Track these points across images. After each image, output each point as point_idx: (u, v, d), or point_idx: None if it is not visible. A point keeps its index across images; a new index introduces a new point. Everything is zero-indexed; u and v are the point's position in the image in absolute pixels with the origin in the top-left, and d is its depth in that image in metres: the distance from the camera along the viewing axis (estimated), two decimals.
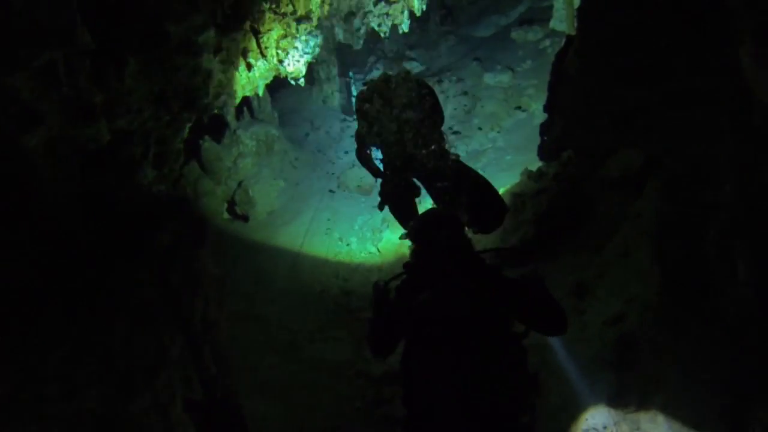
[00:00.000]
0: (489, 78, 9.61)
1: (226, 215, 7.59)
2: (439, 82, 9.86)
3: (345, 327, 5.09)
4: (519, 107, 8.90)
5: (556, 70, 4.62)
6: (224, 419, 2.41)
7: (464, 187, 3.84)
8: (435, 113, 3.99)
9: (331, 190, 8.09)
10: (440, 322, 1.97)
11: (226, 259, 6.25)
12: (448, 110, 9.45)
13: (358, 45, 7.78)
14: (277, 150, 8.24)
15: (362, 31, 6.12)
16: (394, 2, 5.32)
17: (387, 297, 2.21)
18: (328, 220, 7.25)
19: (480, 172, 7.62)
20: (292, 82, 5.19)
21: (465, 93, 9.59)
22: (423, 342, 2.02)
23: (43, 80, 2.38)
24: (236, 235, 7.12)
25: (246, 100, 7.94)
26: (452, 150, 4.13)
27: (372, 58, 11.71)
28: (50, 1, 2.00)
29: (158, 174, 4.21)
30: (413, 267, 2.22)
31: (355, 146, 4.26)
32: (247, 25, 4.50)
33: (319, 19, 4.95)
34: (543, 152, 4.97)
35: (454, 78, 9.86)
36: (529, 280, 2.11)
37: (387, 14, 5.51)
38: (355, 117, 4.43)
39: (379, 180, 4.22)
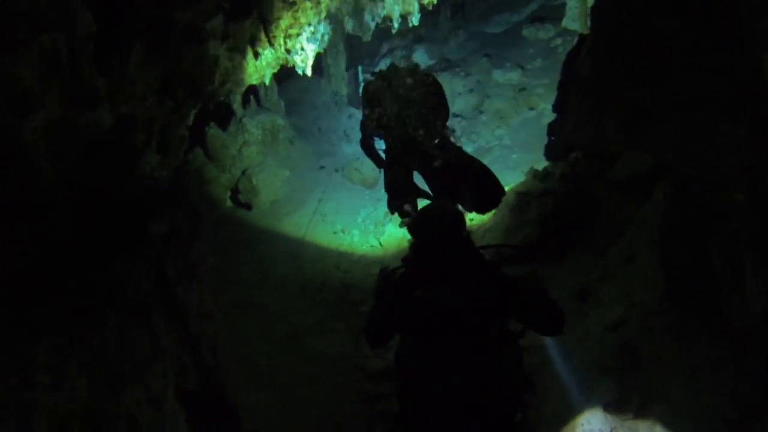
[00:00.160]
0: (498, 75, 9.52)
1: (229, 203, 7.58)
2: (448, 74, 9.77)
3: (344, 320, 5.07)
4: (529, 107, 8.81)
5: (567, 70, 4.56)
6: (218, 411, 2.39)
7: (467, 171, 3.89)
8: (440, 106, 4.02)
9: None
10: (436, 318, 1.96)
11: (227, 248, 6.24)
12: (455, 105, 9.39)
13: (368, 37, 7.71)
14: (283, 139, 8.21)
15: (372, 23, 6.05)
16: None
17: (391, 284, 2.20)
18: (332, 212, 7.22)
19: None
20: (300, 72, 5.13)
21: (473, 89, 9.51)
22: (418, 337, 2.01)
23: (44, 63, 2.35)
24: (239, 224, 7.11)
25: (253, 88, 7.89)
26: (458, 144, 4.16)
27: (382, 51, 11.63)
28: None
29: (161, 160, 4.18)
30: (412, 261, 2.22)
31: (360, 135, 4.31)
32: (255, 12, 4.45)
33: (328, 9, 4.89)
34: (550, 152, 4.92)
35: (463, 73, 9.78)
36: (527, 281, 2.10)
37: (397, 7, 5.45)
38: (361, 108, 4.47)
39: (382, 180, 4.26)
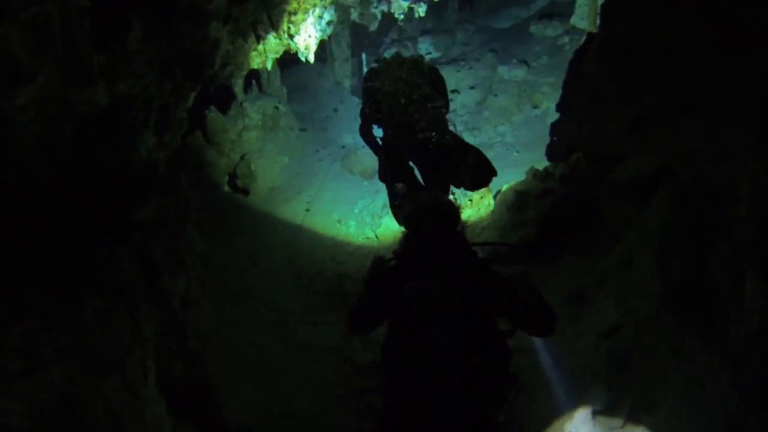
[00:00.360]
0: (504, 71, 9.44)
1: (227, 188, 7.51)
2: (452, 67, 9.68)
3: (336, 312, 5.02)
4: (533, 105, 8.74)
5: (574, 69, 4.49)
6: (201, 400, 2.35)
7: (463, 151, 4.00)
8: (441, 98, 4.05)
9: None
10: (423, 312, 1.93)
11: (222, 233, 6.19)
12: (458, 99, 9.31)
13: (374, 26, 7.62)
14: (283, 126, 8.13)
15: (378, 12, 5.96)
16: None
17: (382, 274, 2.18)
18: (329, 201, 7.17)
19: None
20: (302, 59, 5.06)
21: (477, 84, 9.43)
22: (404, 330, 1.98)
23: (36, 35, 2.28)
24: (235, 209, 7.05)
25: (255, 73, 7.81)
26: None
27: (387, 41, 11.52)
28: None
29: (158, 141, 4.12)
30: (403, 253, 2.19)
31: (360, 122, 4.33)
32: None
33: None
34: (552, 153, 4.86)
35: (468, 67, 9.69)
36: (518, 280, 2.07)
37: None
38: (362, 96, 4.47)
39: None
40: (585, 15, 8.11)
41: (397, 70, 4.02)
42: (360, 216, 6.82)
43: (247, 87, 7.94)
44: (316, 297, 5.29)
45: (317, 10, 4.62)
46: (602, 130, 3.69)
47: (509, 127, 8.55)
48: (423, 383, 1.89)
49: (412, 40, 11.27)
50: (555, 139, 4.80)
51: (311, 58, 4.95)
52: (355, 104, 9.38)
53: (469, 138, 8.41)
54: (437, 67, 4.43)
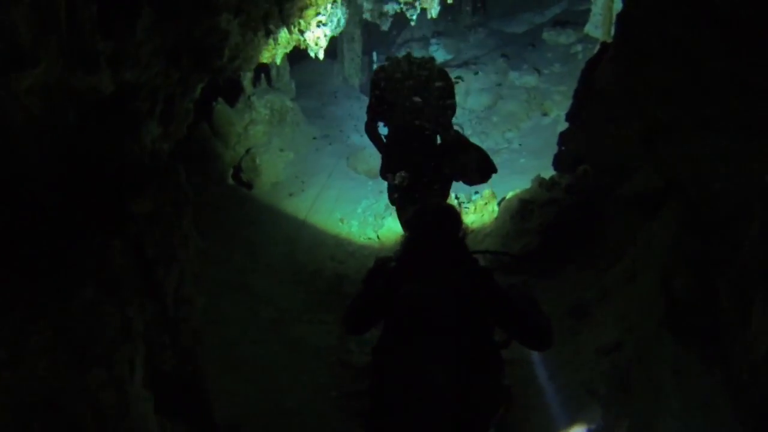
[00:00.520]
0: (514, 76, 9.38)
1: (231, 181, 7.49)
2: (463, 71, 9.62)
3: (334, 311, 4.98)
4: (542, 113, 8.68)
5: (585, 79, 4.43)
6: (191, 397, 2.31)
7: (464, 147, 4.03)
8: (448, 99, 4.06)
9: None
10: (417, 316, 1.89)
11: (223, 226, 6.15)
12: (468, 103, 9.26)
13: (386, 26, 7.57)
14: (290, 121, 8.10)
15: (390, 11, 5.91)
16: None
17: (382, 274, 2.15)
18: (332, 200, 7.12)
19: None
20: (312, 55, 5.01)
21: (488, 88, 9.37)
22: (398, 334, 1.94)
23: (40, 19, 2.24)
24: (238, 202, 7.02)
25: (264, 67, 7.78)
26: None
27: (399, 41, 11.47)
28: None
29: (163, 131, 4.08)
30: (403, 256, 2.16)
31: (366, 119, 4.34)
32: None
33: None
34: (558, 163, 4.80)
35: (479, 72, 9.63)
36: (517, 291, 2.03)
37: None
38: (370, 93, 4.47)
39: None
40: (599, 24, 8.04)
41: (407, 70, 4.02)
42: (363, 216, 6.78)
43: (255, 80, 7.91)
44: (314, 295, 5.25)
45: (329, 7, 4.57)
46: (612, 141, 3.64)
47: (517, 133, 8.49)
48: (411, 389, 1.86)
49: (424, 41, 11.22)
50: (563, 149, 4.74)
51: (321, 55, 4.91)
52: (364, 102, 9.35)
53: (476, 143, 8.36)
54: (446, 70, 4.39)
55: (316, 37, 4.65)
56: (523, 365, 2.83)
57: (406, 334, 1.91)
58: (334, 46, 9.37)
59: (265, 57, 5.43)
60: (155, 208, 1.88)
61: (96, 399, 1.56)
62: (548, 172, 5.20)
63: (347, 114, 9.07)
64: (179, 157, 2.70)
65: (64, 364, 1.48)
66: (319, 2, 4.52)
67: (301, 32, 4.68)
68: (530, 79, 9.24)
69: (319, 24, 4.63)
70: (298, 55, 6.75)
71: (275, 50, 5.09)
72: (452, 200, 6.34)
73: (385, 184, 4.71)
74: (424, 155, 4.15)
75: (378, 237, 6.35)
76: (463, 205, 6.32)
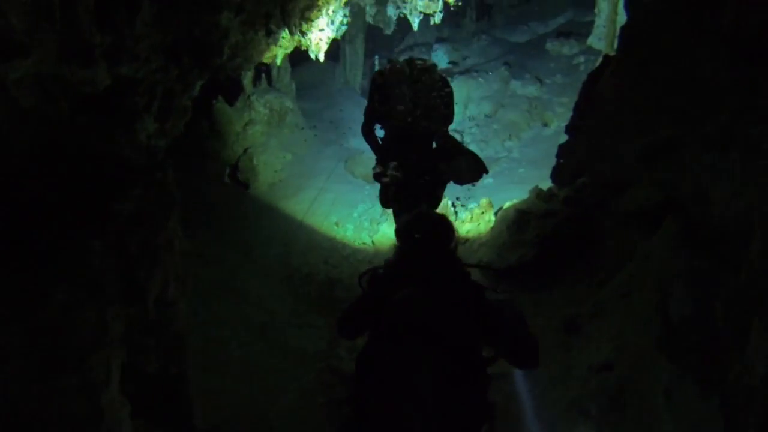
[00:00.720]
0: (516, 85, 9.36)
1: (227, 180, 7.43)
2: (465, 78, 9.60)
3: (324, 316, 4.93)
4: (543, 123, 8.65)
5: (587, 91, 4.40)
6: (171, 401, 2.25)
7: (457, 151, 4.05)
8: (446, 107, 4.04)
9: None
10: (405, 328, 1.85)
11: (217, 225, 6.10)
12: (468, 111, 9.23)
13: (389, 30, 7.54)
14: (289, 122, 8.05)
15: (394, 16, 5.88)
16: None
17: (376, 280, 2.11)
18: (329, 203, 7.06)
19: (490, 180, 7.45)
20: (312, 57, 4.97)
21: (489, 97, 9.35)
22: (383, 343, 1.90)
23: (34, 8, 2.20)
24: (233, 202, 6.97)
25: (265, 67, 7.74)
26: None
27: (402, 46, 11.45)
28: None
29: (160, 128, 4.03)
30: (393, 265, 2.12)
31: (363, 120, 4.32)
32: None
33: None
34: (557, 176, 4.76)
35: (481, 79, 9.61)
36: (505, 307, 1.98)
37: (421, 1, 5.28)
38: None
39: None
40: (603, 36, 8.03)
41: (408, 73, 3.99)
42: (358, 220, 6.72)
43: (256, 80, 7.87)
44: (305, 299, 5.19)
45: (331, 9, 4.54)
46: (612, 156, 3.60)
47: (517, 142, 8.46)
48: (395, 400, 1.81)
49: (426, 47, 11.20)
50: (561, 161, 4.70)
51: (321, 57, 4.87)
52: (364, 105, 9.30)
53: (476, 151, 8.32)
54: (447, 78, 4.35)
55: (318, 39, 4.61)
56: (510, 381, 2.77)
57: (390, 343, 1.88)
58: (336, 48, 9.34)
59: (266, 57, 5.40)
60: (139, 208, 1.82)
61: (67, 405, 1.50)
62: (547, 183, 5.16)
63: (347, 117, 9.03)
64: (176, 155, 2.64)
65: (34, 368, 1.42)
66: (322, 4, 4.48)
67: (303, 33, 4.64)
68: (532, 89, 9.22)
69: (320, 26, 4.59)
70: (300, 56, 6.71)
71: (276, 50, 5.05)
72: (448, 207, 6.29)
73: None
74: (419, 159, 4.13)
75: (373, 242, 6.30)
76: (459, 214, 6.27)
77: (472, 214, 5.88)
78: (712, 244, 2.48)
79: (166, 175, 2.14)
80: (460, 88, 9.10)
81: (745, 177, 2.29)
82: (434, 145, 4.18)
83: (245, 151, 7.52)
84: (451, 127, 4.43)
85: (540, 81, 9.33)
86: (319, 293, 5.30)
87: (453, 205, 6.42)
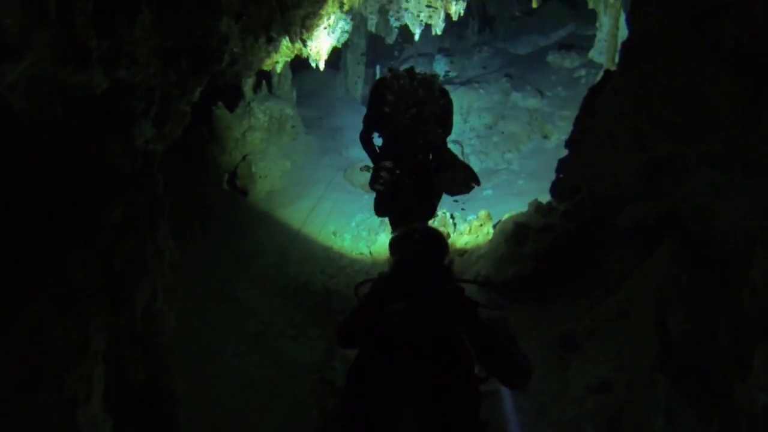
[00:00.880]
0: (517, 97, 9.35)
1: (226, 186, 7.39)
2: (466, 89, 9.59)
3: (320, 327, 4.87)
4: (543, 135, 8.64)
5: (587, 106, 4.37)
6: (155, 416, 2.19)
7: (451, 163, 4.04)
8: (445, 119, 4.02)
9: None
10: (394, 342, 1.80)
11: (214, 232, 6.04)
12: (468, 122, 9.22)
13: (391, 39, 7.54)
14: (289, 130, 8.03)
15: (396, 25, 5.87)
16: (431, 3, 5.08)
17: (372, 292, 2.07)
18: (326, 212, 7.02)
19: (489, 192, 7.42)
20: (313, 65, 4.95)
21: (489, 108, 9.34)
22: (373, 358, 1.85)
23: (29, 10, 2.16)
24: (231, 209, 6.92)
25: (266, 74, 7.72)
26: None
27: (403, 55, 11.47)
28: None
29: (158, 133, 3.99)
30: (387, 278, 2.08)
31: (362, 128, 4.30)
32: None
33: (352, 5, 4.71)
34: (556, 191, 4.72)
35: (482, 90, 9.61)
36: (497, 326, 1.94)
37: (422, 11, 5.26)
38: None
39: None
40: (604, 50, 8.04)
41: (408, 82, 3.98)
42: (356, 230, 6.67)
43: (256, 87, 7.85)
44: (300, 309, 5.13)
45: (332, 18, 4.52)
46: (611, 171, 3.57)
47: (517, 154, 8.43)
48: (383, 415, 1.77)
49: (428, 57, 11.21)
50: (561, 176, 4.66)
51: (321, 65, 4.85)
52: (360, 111, 9.30)
53: (475, 162, 8.31)
54: (448, 89, 4.34)
55: (318, 47, 4.59)
56: (499, 399, 2.71)
57: (382, 356, 1.83)
58: (337, 56, 9.34)
59: (266, 64, 5.37)
60: (128, 216, 1.77)
61: (42, 424, 1.45)
62: (546, 196, 5.12)
63: (347, 125, 9.00)
64: (174, 160, 2.59)
65: (8, 385, 1.36)
66: (323, 13, 4.47)
67: (304, 41, 4.62)
68: (533, 101, 9.21)
69: (321, 34, 4.57)
70: (301, 64, 6.70)
71: (276, 58, 5.03)
72: (447, 218, 6.25)
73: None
74: (415, 168, 4.10)
75: (370, 252, 6.25)
76: (458, 225, 6.23)
77: (470, 226, 5.84)
78: (712, 263, 2.43)
79: (156, 182, 2.09)
80: (461, 99, 9.09)
81: (747, 195, 2.25)
82: (431, 156, 4.16)
83: (244, 157, 7.49)
84: (451, 138, 4.41)
85: (541, 93, 9.33)
86: (315, 303, 5.24)
87: (452, 216, 6.38)
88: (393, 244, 2.15)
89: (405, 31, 7.04)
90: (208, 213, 6.43)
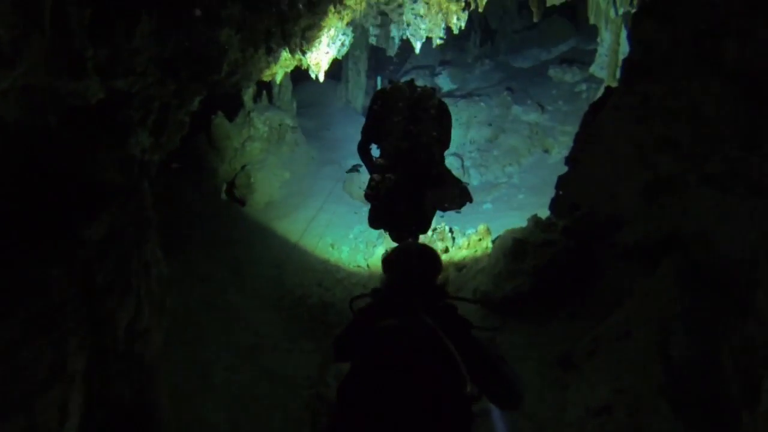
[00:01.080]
0: (518, 111, 9.34)
1: (224, 195, 7.35)
2: (467, 102, 9.58)
3: (315, 340, 4.80)
4: (543, 149, 8.61)
5: (588, 122, 4.34)
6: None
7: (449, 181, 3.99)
8: (443, 132, 3.99)
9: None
10: (384, 360, 1.75)
11: (211, 241, 5.99)
12: (469, 135, 9.19)
13: (392, 51, 7.53)
14: (288, 141, 8.00)
15: (397, 37, 5.86)
16: (432, 16, 5.07)
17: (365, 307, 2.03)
18: (324, 224, 6.97)
19: (489, 206, 7.37)
20: (312, 76, 4.93)
21: (490, 121, 9.32)
22: (363, 375, 1.80)
23: (22, 19, 2.13)
24: (228, 219, 6.87)
25: (266, 84, 7.72)
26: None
27: (405, 68, 11.48)
28: None
29: (155, 142, 3.95)
30: (380, 294, 2.03)
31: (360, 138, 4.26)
32: (275, 8, 4.26)
33: (353, 17, 4.69)
34: (555, 207, 4.67)
35: (483, 104, 9.60)
36: (489, 346, 1.89)
37: (423, 26, 5.25)
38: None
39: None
40: (605, 65, 8.04)
41: (408, 95, 3.95)
42: (354, 242, 6.62)
43: (256, 97, 7.83)
44: (296, 323, 5.06)
45: (333, 30, 4.50)
46: (611, 190, 3.52)
47: (517, 168, 8.40)
48: (373, 430, 1.71)
49: (430, 69, 11.23)
50: (560, 193, 4.61)
51: (321, 77, 4.83)
52: (359, 122, 9.27)
53: (475, 175, 8.27)
54: (449, 102, 4.31)
55: (318, 58, 4.57)
56: (494, 420, 2.64)
57: (371, 374, 1.78)
58: (338, 67, 9.34)
59: (266, 74, 5.35)
60: (112, 232, 1.72)
61: None
62: (546, 211, 5.07)
63: (347, 137, 8.98)
64: (172, 168, 2.54)
65: None
66: (323, 25, 4.45)
67: (303, 53, 4.60)
68: (534, 115, 9.19)
69: (321, 46, 4.55)
70: (302, 74, 6.69)
71: (276, 69, 5.01)
72: (446, 232, 6.20)
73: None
74: (412, 180, 4.06)
75: (368, 265, 6.19)
76: (456, 240, 6.17)
77: (469, 241, 5.79)
78: (715, 285, 2.38)
79: (142, 196, 2.04)
80: (461, 112, 9.07)
81: (749, 217, 2.21)
82: (428, 169, 4.11)
83: (243, 167, 7.45)
84: (451, 151, 4.36)
85: (542, 107, 9.31)
86: (311, 316, 5.17)
87: (451, 230, 6.33)
88: (386, 262, 2.11)
89: (407, 43, 7.05)
90: (204, 223, 6.38)
